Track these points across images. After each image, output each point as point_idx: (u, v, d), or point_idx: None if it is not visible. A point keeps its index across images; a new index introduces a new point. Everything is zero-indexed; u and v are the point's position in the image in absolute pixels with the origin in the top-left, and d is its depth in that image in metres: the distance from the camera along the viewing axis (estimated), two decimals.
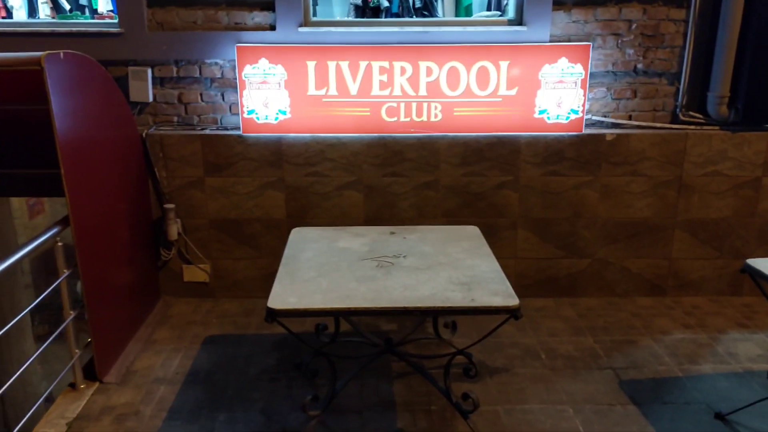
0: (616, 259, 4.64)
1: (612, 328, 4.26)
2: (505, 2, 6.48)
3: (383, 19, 5.32)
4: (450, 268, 2.98)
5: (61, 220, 3.34)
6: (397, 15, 7.07)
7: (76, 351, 3.47)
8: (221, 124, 4.52)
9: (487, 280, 2.86)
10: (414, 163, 4.46)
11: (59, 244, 3.31)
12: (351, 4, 7.55)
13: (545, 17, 4.26)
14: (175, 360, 3.89)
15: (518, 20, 4.34)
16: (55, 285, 3.28)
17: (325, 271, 2.97)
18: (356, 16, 7.22)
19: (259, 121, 4.36)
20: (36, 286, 6.54)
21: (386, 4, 7.51)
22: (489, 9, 6.69)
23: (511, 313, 2.61)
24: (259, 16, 4.32)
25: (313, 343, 3.60)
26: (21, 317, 3.21)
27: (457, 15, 7.48)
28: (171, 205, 4.46)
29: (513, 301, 2.63)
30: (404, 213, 4.57)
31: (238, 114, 4.45)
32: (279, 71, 4.25)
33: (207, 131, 4.47)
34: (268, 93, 4.29)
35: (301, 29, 4.27)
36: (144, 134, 4.37)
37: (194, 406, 3.41)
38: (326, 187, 4.52)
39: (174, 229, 4.50)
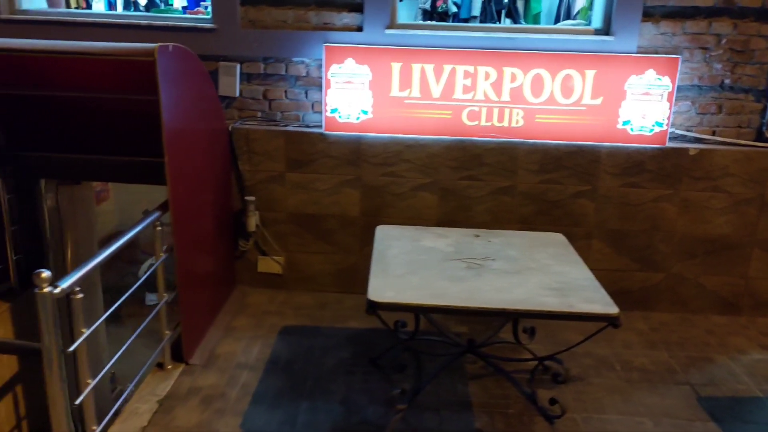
0: (691, 274, 4.58)
1: (686, 343, 4.21)
2: (575, 12, 6.47)
3: (469, 24, 5.38)
4: (540, 274, 3.01)
5: (161, 206, 3.49)
6: (465, 21, 7.11)
7: (167, 332, 3.62)
8: (303, 121, 4.64)
9: (580, 287, 2.88)
10: (492, 168, 4.49)
11: (158, 228, 3.46)
12: (419, 8, 7.62)
13: (633, 28, 4.25)
14: (254, 347, 4.01)
15: (605, 30, 4.33)
16: (153, 267, 3.43)
17: (414, 268, 3.03)
18: (423, 21, 7.29)
19: (341, 120, 4.46)
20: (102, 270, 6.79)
21: (454, 9, 7.56)
22: (558, 19, 6.68)
23: (610, 321, 2.62)
24: (348, 17, 4.42)
25: (390, 340, 3.69)
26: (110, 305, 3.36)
27: (525, 23, 7.49)
28: (252, 198, 4.60)
29: (612, 309, 2.64)
30: (479, 217, 4.61)
31: (320, 112, 4.57)
32: (364, 72, 4.34)
33: (290, 128, 4.59)
34: (352, 93, 4.39)
35: (387, 31, 4.35)
36: (231, 128, 4.52)
37: (276, 392, 3.52)
38: (401, 187, 4.59)
39: (253, 221, 4.64)
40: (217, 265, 4.44)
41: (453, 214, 4.61)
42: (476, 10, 7.12)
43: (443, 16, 7.56)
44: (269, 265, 4.83)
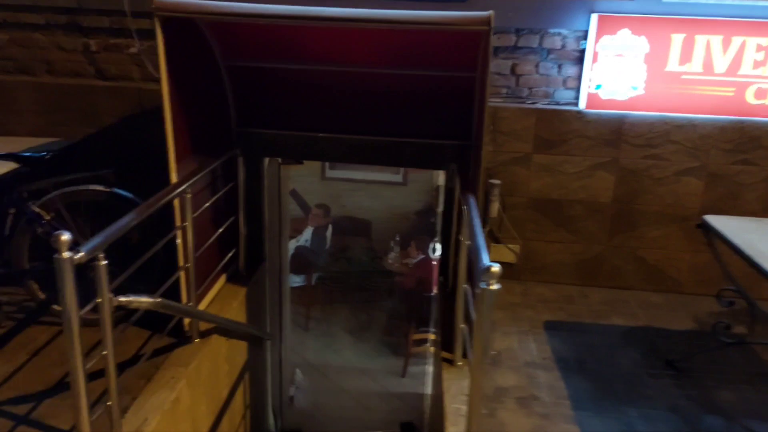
0: None
1: None
2: None
3: None
4: None
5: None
6: None
7: (462, 326, 3.33)
8: (553, 98, 4.27)
9: None
10: None
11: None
12: None
13: None
14: (529, 344, 3.71)
15: None
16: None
17: None
18: None
19: (604, 97, 4.07)
20: None
21: None
22: None
23: None
24: None
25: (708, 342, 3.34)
26: None
27: None
28: (497, 182, 4.27)
29: None
30: (747, 206, 4.18)
31: (572, 89, 4.19)
32: (640, 44, 3.94)
33: (539, 105, 4.23)
34: (623, 67, 3.99)
35: None
36: None
37: (590, 396, 3.21)
38: (664, 171, 4.20)
39: (496, 207, 4.31)
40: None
41: (719, 202, 4.20)
42: None
43: None
44: (502, 253, 4.50)
